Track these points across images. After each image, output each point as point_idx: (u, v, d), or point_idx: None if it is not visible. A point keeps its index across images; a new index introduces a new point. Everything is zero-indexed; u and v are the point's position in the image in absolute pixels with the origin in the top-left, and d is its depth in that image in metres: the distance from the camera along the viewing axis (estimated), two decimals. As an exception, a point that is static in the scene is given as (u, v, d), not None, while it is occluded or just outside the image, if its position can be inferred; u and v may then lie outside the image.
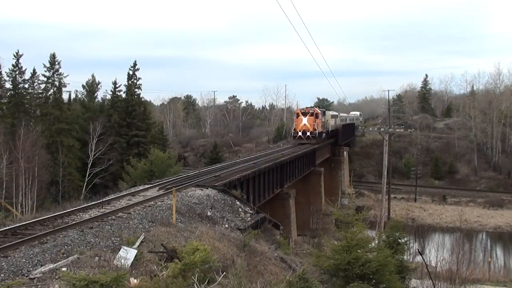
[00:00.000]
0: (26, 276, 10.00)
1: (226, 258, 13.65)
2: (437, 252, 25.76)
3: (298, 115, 49.98)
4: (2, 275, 9.90)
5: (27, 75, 53.14)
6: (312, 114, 49.23)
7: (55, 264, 10.61)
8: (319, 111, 51.12)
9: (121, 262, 11.26)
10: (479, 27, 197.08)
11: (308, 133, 48.33)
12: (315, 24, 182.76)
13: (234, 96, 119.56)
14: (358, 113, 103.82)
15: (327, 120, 56.87)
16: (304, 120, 48.68)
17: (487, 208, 62.35)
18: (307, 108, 51.73)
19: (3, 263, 10.33)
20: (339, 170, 62.74)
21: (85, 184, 49.76)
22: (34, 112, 54.78)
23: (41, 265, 10.55)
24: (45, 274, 10.15)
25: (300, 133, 48.70)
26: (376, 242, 16.16)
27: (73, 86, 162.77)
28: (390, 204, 45.70)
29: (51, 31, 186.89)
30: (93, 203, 17.79)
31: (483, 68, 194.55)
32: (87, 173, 50.45)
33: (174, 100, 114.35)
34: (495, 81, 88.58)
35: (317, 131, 48.71)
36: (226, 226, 18.59)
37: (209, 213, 18.70)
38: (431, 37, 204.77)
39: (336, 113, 70.71)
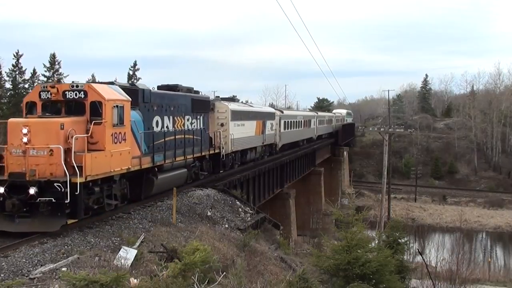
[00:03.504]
0: (26, 276, 9.98)
1: (226, 258, 13.64)
2: (437, 252, 25.85)
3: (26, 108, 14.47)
4: (2, 275, 9.89)
5: (27, 75, 53.14)
6: (76, 108, 13.55)
7: (55, 264, 10.59)
8: (122, 97, 14.14)
9: (121, 262, 11.24)
10: (479, 27, 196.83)
11: (33, 191, 11.56)
12: (315, 24, 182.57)
13: (234, 96, 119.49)
14: (344, 111, 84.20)
15: (224, 125, 24.44)
16: (25, 136, 12.11)
17: (487, 208, 62.40)
18: (61, 84, 14.53)
19: (3, 263, 10.31)
20: (339, 170, 62.83)
21: (85, 184, 49.62)
22: (34, 112, 54.71)
23: (41, 265, 10.53)
24: (45, 274, 10.14)
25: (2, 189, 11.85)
26: (376, 242, 16.22)
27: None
28: (390, 204, 45.71)
29: (51, 31, 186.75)
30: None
31: (483, 68, 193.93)
32: (87, 173, 50.31)
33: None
34: (495, 81, 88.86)
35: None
36: (226, 226, 18.59)
37: (209, 213, 18.69)
38: (431, 37, 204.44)
39: (272, 110, 36.13)
